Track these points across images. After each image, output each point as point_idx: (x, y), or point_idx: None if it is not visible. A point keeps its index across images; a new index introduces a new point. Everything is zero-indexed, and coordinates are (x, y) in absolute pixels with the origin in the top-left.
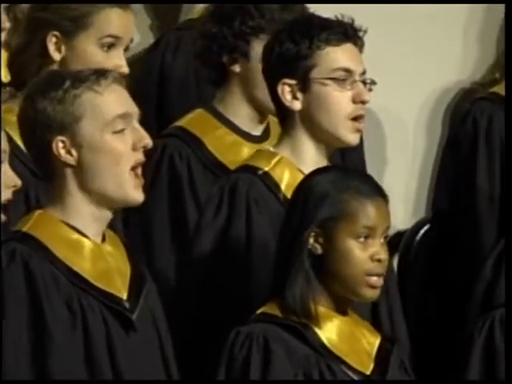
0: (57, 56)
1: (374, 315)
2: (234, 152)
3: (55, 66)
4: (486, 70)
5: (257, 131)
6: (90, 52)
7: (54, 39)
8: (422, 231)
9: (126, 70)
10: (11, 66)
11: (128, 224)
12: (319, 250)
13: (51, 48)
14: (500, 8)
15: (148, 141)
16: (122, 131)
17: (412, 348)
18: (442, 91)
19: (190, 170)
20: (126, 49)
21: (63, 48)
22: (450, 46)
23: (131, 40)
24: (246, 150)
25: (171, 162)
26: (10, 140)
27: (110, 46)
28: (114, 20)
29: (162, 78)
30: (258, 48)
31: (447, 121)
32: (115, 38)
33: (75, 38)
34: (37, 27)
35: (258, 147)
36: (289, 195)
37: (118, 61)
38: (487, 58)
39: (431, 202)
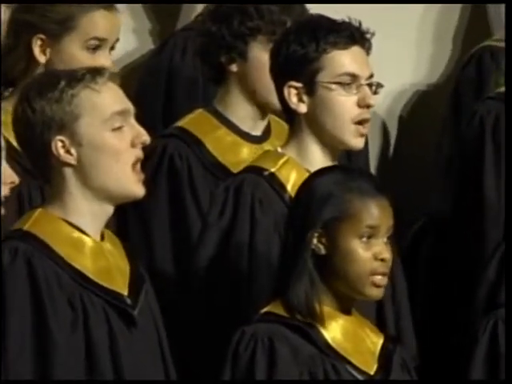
0: (42, 59)
1: (379, 316)
2: (234, 153)
3: (41, 69)
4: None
5: (257, 131)
6: (76, 54)
7: (39, 42)
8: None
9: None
10: None
11: (127, 224)
12: (323, 251)
13: (36, 51)
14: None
15: (146, 137)
16: (120, 128)
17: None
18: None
19: (190, 171)
20: (112, 48)
21: (48, 51)
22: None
23: (117, 40)
24: (246, 151)
25: (171, 163)
26: (7, 141)
27: (96, 48)
28: (100, 22)
29: (169, 79)
30: (255, 48)
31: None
32: (101, 40)
33: (61, 40)
34: (22, 30)
35: (258, 147)
36: None
37: (103, 61)
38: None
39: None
